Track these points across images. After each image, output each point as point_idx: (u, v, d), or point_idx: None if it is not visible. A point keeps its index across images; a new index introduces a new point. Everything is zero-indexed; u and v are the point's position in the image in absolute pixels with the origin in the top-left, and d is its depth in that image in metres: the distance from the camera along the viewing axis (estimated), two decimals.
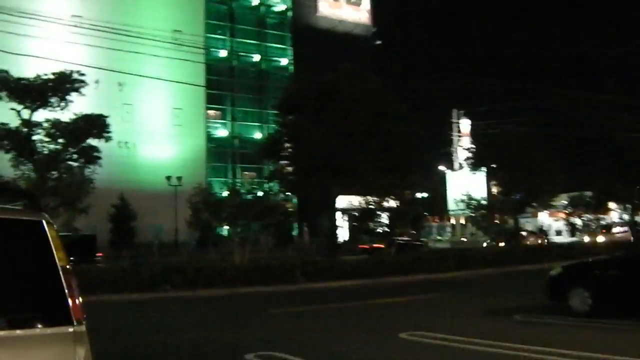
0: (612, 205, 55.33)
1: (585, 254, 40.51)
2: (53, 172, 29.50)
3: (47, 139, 29.75)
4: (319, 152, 33.77)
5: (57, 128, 29.78)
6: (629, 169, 47.03)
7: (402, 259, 33.66)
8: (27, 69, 33.19)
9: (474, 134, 78.71)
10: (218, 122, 79.45)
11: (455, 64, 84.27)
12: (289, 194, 46.72)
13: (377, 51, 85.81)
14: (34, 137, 29.76)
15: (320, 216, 41.03)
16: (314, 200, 40.90)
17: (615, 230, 60.51)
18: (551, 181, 47.37)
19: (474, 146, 56.68)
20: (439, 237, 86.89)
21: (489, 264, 35.49)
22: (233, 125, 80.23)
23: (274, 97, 49.59)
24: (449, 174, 76.70)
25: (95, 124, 31.23)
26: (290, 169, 38.56)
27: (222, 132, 79.46)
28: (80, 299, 4.94)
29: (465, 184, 69.62)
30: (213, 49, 77.78)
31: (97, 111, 32.11)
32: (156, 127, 70.93)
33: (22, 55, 38.83)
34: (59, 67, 31.46)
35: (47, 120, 30.07)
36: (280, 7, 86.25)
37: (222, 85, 79.34)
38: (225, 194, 36.66)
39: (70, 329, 4.75)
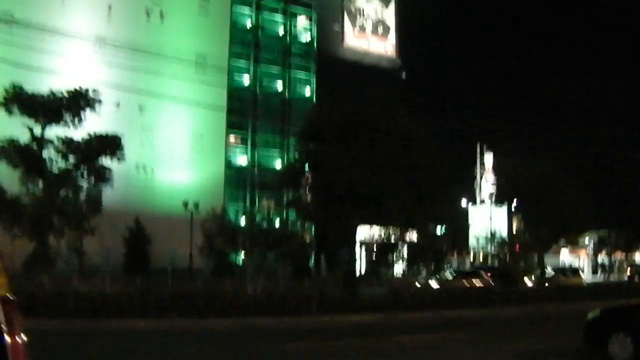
0: None
1: (616, 295, 39.07)
2: (62, 191, 28.40)
3: (57, 157, 28.70)
4: (341, 181, 32.50)
5: (68, 146, 28.78)
6: None
7: (424, 293, 32.28)
8: (46, 87, 32.26)
9: (498, 170, 77.59)
10: (238, 149, 78.46)
11: (480, 98, 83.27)
12: (307, 223, 45.44)
13: (402, 84, 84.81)
14: (45, 155, 28.72)
15: (339, 247, 39.68)
16: (333, 231, 39.49)
17: None
18: (579, 218, 45.92)
19: (498, 181, 55.42)
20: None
21: (514, 302, 34.02)
22: (253, 153, 79.19)
23: (296, 126, 48.62)
24: (471, 209, 75.47)
25: (110, 144, 30.17)
26: (309, 197, 37.28)
27: (242, 160, 78.45)
28: (24, 337, 3.69)
29: (487, 219, 68.52)
30: (236, 76, 77.13)
31: (116, 134, 31.04)
32: (175, 152, 69.93)
33: (45, 72, 38.18)
34: (81, 86, 30.62)
35: (59, 138, 29.05)
36: (305, 37, 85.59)
37: (244, 112, 78.47)
38: (241, 221, 35.46)
39: None
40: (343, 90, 50.75)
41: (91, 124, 30.81)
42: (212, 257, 32.35)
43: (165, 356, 17.07)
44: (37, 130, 29.07)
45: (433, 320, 27.93)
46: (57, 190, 28.05)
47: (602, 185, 67.84)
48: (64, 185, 28.55)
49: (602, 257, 55.11)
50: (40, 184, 28.10)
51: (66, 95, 29.38)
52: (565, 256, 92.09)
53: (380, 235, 37.74)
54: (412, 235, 42.86)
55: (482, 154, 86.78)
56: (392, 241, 38.84)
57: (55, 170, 28.82)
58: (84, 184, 29.79)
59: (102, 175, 29.85)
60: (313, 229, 64.49)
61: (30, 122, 28.98)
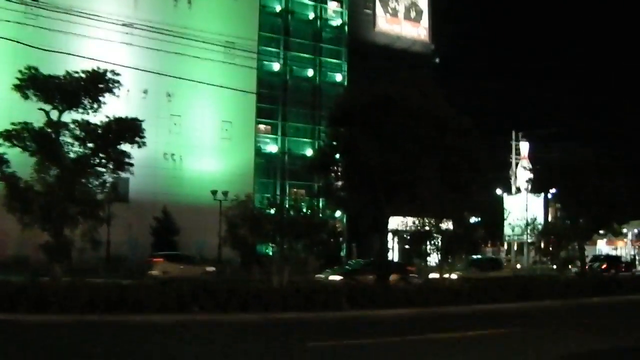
0: None
1: None
2: (80, 179, 26.94)
3: (72, 142, 27.22)
4: (372, 167, 30.79)
5: (86, 130, 27.30)
6: None
7: (460, 286, 30.51)
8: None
9: (534, 157, 75.66)
10: (268, 137, 76.91)
11: (515, 84, 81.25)
12: (339, 212, 43.80)
13: (435, 70, 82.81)
14: (61, 140, 27.26)
15: (371, 236, 37.88)
16: (365, 219, 37.73)
17: None
18: (622, 207, 43.85)
19: (535, 168, 53.46)
20: None
21: (556, 295, 32.16)
22: (283, 141, 77.58)
23: (327, 113, 47.04)
24: (506, 198, 73.49)
25: (130, 128, 28.62)
26: (340, 184, 35.57)
27: (272, 147, 76.90)
28: None
29: (523, 208, 66.55)
30: (266, 62, 75.59)
31: (144, 122, 29.57)
32: (204, 140, 68.61)
33: (71, 58, 36.90)
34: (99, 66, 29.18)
35: (75, 122, 27.57)
36: (336, 22, 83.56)
37: (274, 99, 76.91)
38: (270, 210, 33.80)
39: None
40: (375, 76, 49.05)
41: (117, 112, 29.38)
42: (236, 247, 30.63)
43: (165, 356, 15.52)
44: (54, 115, 27.61)
45: (471, 315, 26.21)
46: (73, 178, 26.58)
47: None
48: (80, 172, 27.08)
49: None
50: (55, 171, 26.61)
51: (83, 76, 27.84)
52: (603, 246, 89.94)
53: (414, 223, 35.84)
54: (447, 225, 41.11)
55: (517, 141, 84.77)
56: (427, 229, 37.05)
57: (72, 156, 27.34)
58: (104, 172, 28.24)
59: (121, 162, 28.23)
60: (345, 219, 63.00)
61: (47, 107, 27.51)
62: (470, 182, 33.72)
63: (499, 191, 73.91)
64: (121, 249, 56.85)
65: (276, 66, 77.76)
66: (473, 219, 45.11)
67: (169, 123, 65.67)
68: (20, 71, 27.72)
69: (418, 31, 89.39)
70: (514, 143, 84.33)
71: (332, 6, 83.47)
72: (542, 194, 66.98)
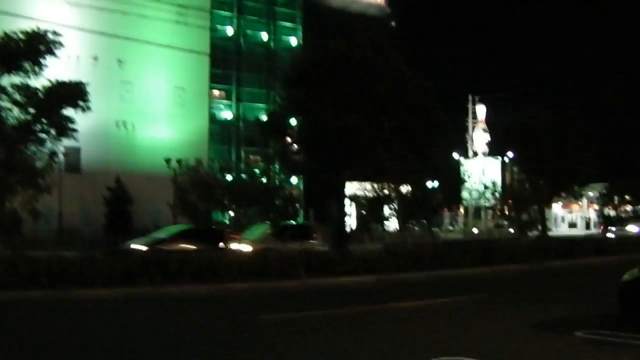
0: None
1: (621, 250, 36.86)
2: (20, 146, 25.46)
3: (11, 107, 25.72)
4: (328, 129, 29.62)
5: (26, 95, 25.78)
6: None
7: (421, 251, 29.60)
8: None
9: (491, 122, 75.23)
10: (222, 103, 75.36)
11: (470, 48, 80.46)
12: (295, 178, 42.63)
13: (391, 33, 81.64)
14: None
15: (328, 202, 36.80)
16: (321, 185, 36.58)
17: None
18: (583, 169, 43.38)
19: (493, 132, 52.87)
20: (450, 228, 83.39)
21: (519, 259, 31.49)
22: (238, 106, 76.11)
23: (282, 78, 45.72)
24: (464, 162, 72.99)
25: (73, 92, 27.12)
26: (295, 148, 34.34)
27: (226, 114, 75.41)
28: None
29: (481, 172, 66.08)
30: (219, 26, 73.85)
31: (95, 89, 28.10)
32: (157, 107, 66.58)
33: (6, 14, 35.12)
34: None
35: (14, 86, 26.03)
36: None
37: (228, 64, 75.31)
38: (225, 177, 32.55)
39: None
40: (331, 39, 47.78)
41: (67, 79, 27.87)
42: (188, 214, 29.40)
43: (127, 328, 14.32)
44: None
45: (432, 281, 25.38)
46: (12, 145, 25.09)
47: (605, 137, 65.41)
48: (20, 139, 25.59)
49: (606, 210, 52.72)
50: None
51: (22, 37, 26.26)
52: (558, 210, 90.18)
53: (372, 187, 34.86)
54: (406, 189, 40.27)
55: (474, 105, 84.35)
56: (385, 193, 36.13)
57: (11, 122, 25.82)
58: (46, 139, 26.73)
59: (65, 128, 26.75)
60: (302, 185, 61.97)
61: None
62: (430, 145, 32.74)
63: (455, 155, 73.46)
64: (74, 220, 55.31)
65: (230, 30, 76.12)
66: (431, 183, 44.44)
67: (120, 90, 63.81)
68: None
69: None
70: (470, 106, 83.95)
71: None
72: (500, 158, 66.66)
